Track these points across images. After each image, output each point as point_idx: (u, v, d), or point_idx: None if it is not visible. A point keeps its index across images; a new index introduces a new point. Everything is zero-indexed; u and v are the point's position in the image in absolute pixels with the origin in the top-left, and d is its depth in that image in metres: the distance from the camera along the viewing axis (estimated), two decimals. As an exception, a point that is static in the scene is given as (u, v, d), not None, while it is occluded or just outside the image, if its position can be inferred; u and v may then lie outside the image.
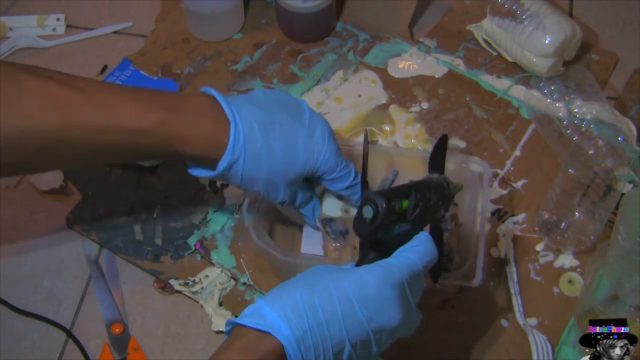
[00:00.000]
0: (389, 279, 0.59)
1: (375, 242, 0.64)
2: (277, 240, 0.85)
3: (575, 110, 0.91)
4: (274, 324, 0.56)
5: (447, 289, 0.82)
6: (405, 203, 0.64)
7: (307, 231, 0.82)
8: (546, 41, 0.96)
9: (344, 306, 0.58)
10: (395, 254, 0.63)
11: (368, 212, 0.61)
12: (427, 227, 0.69)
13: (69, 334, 0.80)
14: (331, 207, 0.83)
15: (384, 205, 0.61)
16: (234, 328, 0.59)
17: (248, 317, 0.58)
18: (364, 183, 0.73)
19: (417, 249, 0.63)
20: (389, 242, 0.64)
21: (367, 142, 0.74)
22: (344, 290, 0.58)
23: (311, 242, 0.81)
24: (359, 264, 0.63)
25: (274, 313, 0.57)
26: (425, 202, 0.66)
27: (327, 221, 0.81)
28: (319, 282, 0.59)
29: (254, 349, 0.56)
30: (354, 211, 0.81)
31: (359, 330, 0.58)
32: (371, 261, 0.62)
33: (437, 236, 0.69)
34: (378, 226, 0.61)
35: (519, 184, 0.91)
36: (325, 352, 0.57)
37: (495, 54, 1.04)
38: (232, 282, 0.84)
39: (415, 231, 0.65)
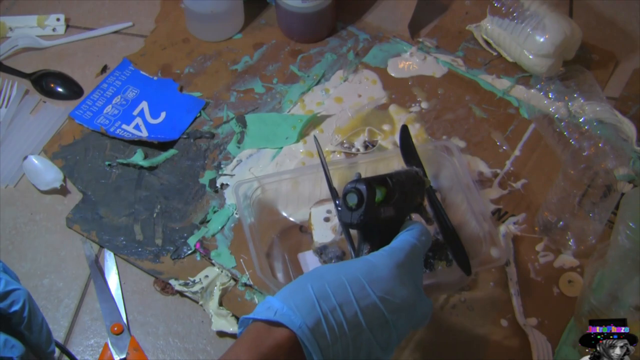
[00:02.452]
0: (394, 260, 0.62)
1: (367, 233, 0.66)
2: (281, 243, 0.85)
3: (575, 110, 0.91)
4: (284, 314, 0.57)
5: (448, 288, 0.82)
6: (383, 190, 0.67)
7: (308, 266, 0.82)
8: (546, 41, 0.96)
9: (356, 289, 0.59)
10: (392, 241, 0.65)
11: (352, 198, 0.64)
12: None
13: (61, 348, 0.78)
14: (321, 234, 0.83)
15: (365, 187, 0.64)
16: (246, 325, 0.60)
17: (257, 311, 0.58)
18: (332, 191, 0.75)
19: (411, 232, 0.65)
20: (380, 232, 0.66)
21: (320, 149, 0.77)
22: (353, 274, 0.60)
23: None
24: (356, 257, 0.65)
25: (283, 304, 0.57)
26: (401, 187, 0.68)
27: (322, 249, 0.81)
28: (328, 272, 0.60)
29: (264, 340, 0.56)
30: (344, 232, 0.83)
31: (374, 312, 0.59)
32: (367, 253, 0.64)
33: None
34: (365, 210, 0.64)
35: (519, 184, 0.91)
36: (342, 337, 0.57)
37: (495, 54, 1.04)
38: (232, 282, 0.84)
39: (401, 218, 0.68)
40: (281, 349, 0.56)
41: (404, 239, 0.65)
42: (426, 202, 0.78)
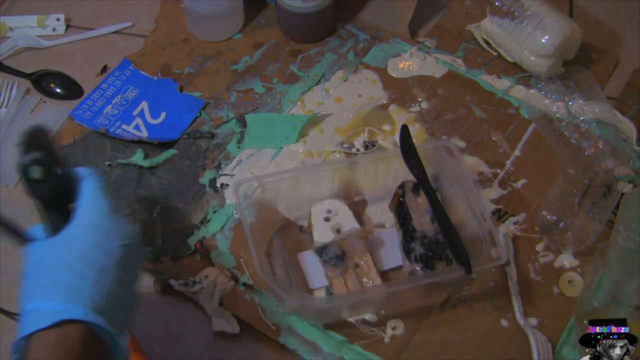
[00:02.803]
0: (101, 207, 0.61)
1: (51, 202, 0.62)
2: (281, 243, 0.85)
3: (575, 110, 0.91)
4: (64, 310, 0.55)
5: (448, 288, 0.82)
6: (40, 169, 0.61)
7: (308, 266, 0.83)
8: (546, 41, 0.96)
9: (98, 252, 0.58)
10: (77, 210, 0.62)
11: (36, 172, 0.59)
12: None
13: None
14: (321, 234, 0.83)
15: (45, 154, 0.60)
16: (23, 347, 0.55)
17: (30, 323, 0.55)
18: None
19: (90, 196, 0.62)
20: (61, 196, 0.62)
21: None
22: (80, 239, 0.59)
23: (316, 275, 0.82)
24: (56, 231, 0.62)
25: (53, 302, 0.55)
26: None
27: (322, 249, 0.81)
28: (56, 252, 0.59)
29: (64, 346, 0.54)
30: (346, 230, 0.82)
31: (121, 255, 0.59)
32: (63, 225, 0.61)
33: None
34: (54, 179, 0.60)
35: (519, 184, 0.91)
36: (109, 294, 0.57)
37: (495, 54, 1.04)
38: (232, 282, 0.84)
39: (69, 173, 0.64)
40: (85, 345, 0.54)
41: (87, 207, 0.61)
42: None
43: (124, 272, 0.60)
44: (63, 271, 0.57)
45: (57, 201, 0.62)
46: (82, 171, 0.64)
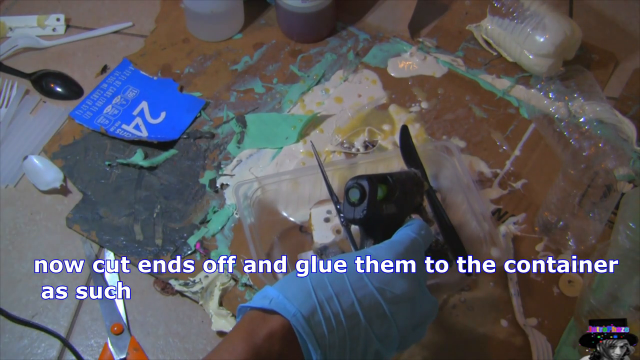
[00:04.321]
0: (393, 252, 0.62)
1: (369, 230, 0.67)
2: (281, 243, 0.85)
3: (575, 110, 0.91)
4: (279, 302, 0.57)
5: (448, 288, 0.82)
6: (384, 187, 0.68)
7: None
8: (546, 41, 0.96)
9: (353, 279, 0.59)
10: (393, 236, 0.65)
11: (355, 194, 0.66)
12: None
13: (65, 342, 0.79)
14: (321, 234, 0.83)
15: (367, 182, 0.65)
16: (242, 313, 0.60)
17: (254, 300, 0.59)
18: (332, 194, 0.77)
19: (411, 227, 0.66)
20: (382, 229, 0.67)
21: (318, 155, 0.79)
22: (351, 265, 0.60)
23: None
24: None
25: (279, 293, 0.58)
26: (402, 185, 0.69)
27: (322, 250, 0.81)
28: (326, 264, 0.61)
29: (259, 328, 0.56)
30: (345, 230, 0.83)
31: (372, 302, 0.59)
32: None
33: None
34: (368, 205, 0.65)
35: (519, 184, 0.91)
36: (338, 326, 0.57)
37: (495, 54, 1.04)
38: (232, 283, 0.84)
39: (402, 217, 0.69)
40: (275, 337, 0.56)
41: (403, 233, 0.65)
42: (426, 203, 0.78)
43: (363, 315, 0.58)
44: (314, 275, 0.59)
45: (369, 228, 0.68)
46: (411, 220, 0.68)
